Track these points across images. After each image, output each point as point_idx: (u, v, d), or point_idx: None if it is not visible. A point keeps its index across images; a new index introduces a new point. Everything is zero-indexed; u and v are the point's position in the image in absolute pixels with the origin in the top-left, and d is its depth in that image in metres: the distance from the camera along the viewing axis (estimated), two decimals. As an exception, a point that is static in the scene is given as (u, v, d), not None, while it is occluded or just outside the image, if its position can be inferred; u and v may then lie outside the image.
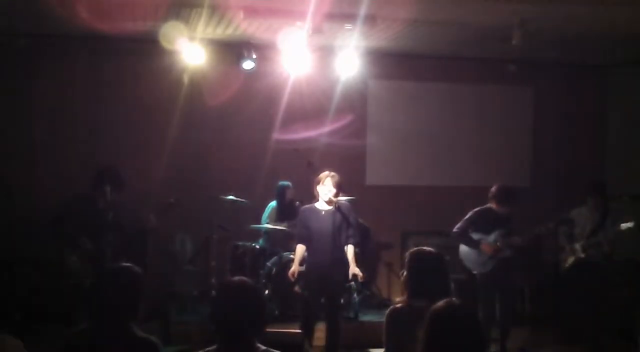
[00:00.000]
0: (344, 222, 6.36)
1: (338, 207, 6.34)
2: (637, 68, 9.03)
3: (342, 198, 6.49)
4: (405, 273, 3.90)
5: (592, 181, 7.80)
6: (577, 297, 7.39)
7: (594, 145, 9.72)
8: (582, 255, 7.23)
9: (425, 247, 3.96)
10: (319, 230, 6.32)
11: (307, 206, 6.58)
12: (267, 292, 7.57)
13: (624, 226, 6.91)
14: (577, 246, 7.27)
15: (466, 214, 6.98)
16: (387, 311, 3.90)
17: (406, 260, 3.92)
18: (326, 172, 6.35)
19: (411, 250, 3.96)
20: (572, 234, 7.39)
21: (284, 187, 8.13)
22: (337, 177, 6.31)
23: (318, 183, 6.34)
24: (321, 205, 6.40)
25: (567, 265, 7.40)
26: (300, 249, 6.49)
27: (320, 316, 6.53)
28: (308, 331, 6.26)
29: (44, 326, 2.79)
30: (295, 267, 6.50)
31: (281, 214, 8.06)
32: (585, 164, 9.50)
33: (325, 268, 6.29)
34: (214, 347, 3.01)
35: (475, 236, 6.86)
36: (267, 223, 7.99)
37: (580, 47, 8.31)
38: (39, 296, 7.09)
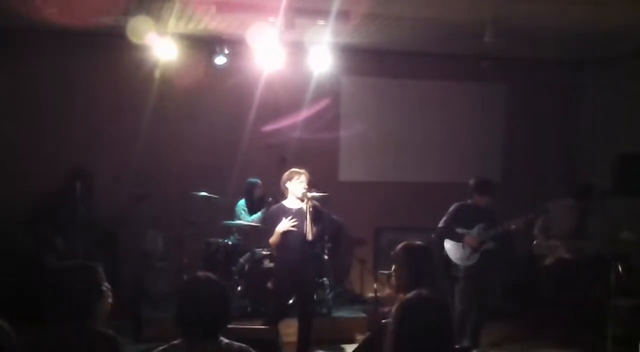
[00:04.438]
0: (316, 220, 6.37)
1: (312, 206, 6.33)
2: (609, 65, 9.14)
3: (316, 194, 6.49)
4: (397, 267, 3.89)
5: (579, 184, 7.90)
6: (554, 294, 7.49)
7: (566, 142, 9.83)
8: (566, 256, 7.33)
9: (415, 241, 3.98)
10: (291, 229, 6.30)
11: (275, 206, 6.54)
12: (239, 288, 7.55)
13: (624, 234, 7.03)
14: (559, 245, 7.36)
15: (439, 209, 7.04)
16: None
17: (399, 254, 3.91)
18: (296, 169, 6.35)
19: (402, 244, 3.96)
20: (548, 227, 7.48)
21: (253, 185, 8.10)
22: (304, 172, 6.32)
23: (289, 180, 6.32)
24: (291, 203, 6.38)
25: (547, 262, 7.49)
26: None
27: (289, 312, 6.53)
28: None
29: (23, 325, 2.76)
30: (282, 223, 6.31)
31: (250, 211, 8.04)
32: (557, 160, 9.61)
33: (297, 265, 6.30)
34: (178, 341, 3.04)
35: (459, 230, 6.92)
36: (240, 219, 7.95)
37: (552, 44, 8.38)
38: (17, 296, 6.97)
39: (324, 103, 8.77)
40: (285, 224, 6.23)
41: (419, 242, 3.97)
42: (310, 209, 6.26)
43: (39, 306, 3.19)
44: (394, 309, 2.86)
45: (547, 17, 6.90)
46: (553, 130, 9.76)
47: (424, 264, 3.83)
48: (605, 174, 8.87)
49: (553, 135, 9.75)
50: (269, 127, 8.52)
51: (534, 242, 7.71)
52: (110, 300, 3.30)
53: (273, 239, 6.33)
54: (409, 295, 2.88)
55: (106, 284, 3.29)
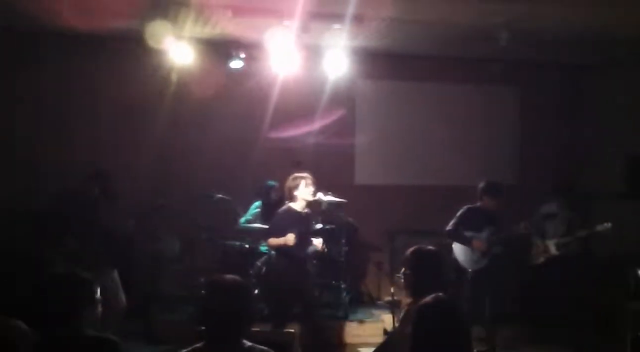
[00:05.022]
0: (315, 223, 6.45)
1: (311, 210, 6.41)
2: (622, 68, 9.07)
3: (333, 199, 6.51)
4: (406, 272, 3.90)
5: (556, 180, 7.88)
6: (550, 294, 7.46)
7: (575, 144, 9.75)
8: (556, 253, 7.33)
9: (425, 246, 3.97)
10: (299, 231, 6.31)
11: (283, 208, 6.54)
12: (256, 291, 7.55)
13: (600, 227, 7.02)
14: (551, 244, 7.35)
15: (454, 213, 7.03)
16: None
17: (408, 259, 3.92)
18: (299, 174, 6.39)
19: (412, 249, 3.96)
20: (544, 230, 7.48)
21: (269, 187, 8.09)
22: (308, 176, 6.37)
23: (296, 187, 6.34)
24: (299, 206, 6.40)
25: (538, 261, 7.49)
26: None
27: (295, 316, 6.52)
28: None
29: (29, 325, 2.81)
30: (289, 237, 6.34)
31: (264, 214, 8.02)
32: (572, 163, 9.53)
33: (299, 268, 6.31)
34: (201, 344, 3.02)
35: (467, 233, 6.91)
36: (249, 221, 7.92)
37: (565, 48, 8.34)
38: (23, 295, 7.02)
39: (339, 113, 8.77)
40: (290, 239, 6.22)
41: (429, 247, 3.96)
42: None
43: (35, 309, 3.22)
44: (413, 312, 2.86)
45: (560, 20, 6.89)
46: (567, 133, 9.68)
47: (432, 268, 3.82)
48: (614, 176, 8.86)
49: (567, 137, 9.67)
50: (284, 131, 8.52)
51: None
52: (100, 309, 3.33)
53: (273, 242, 6.36)
54: (428, 298, 2.87)
55: (99, 296, 3.32)
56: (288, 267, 6.34)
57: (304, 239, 6.31)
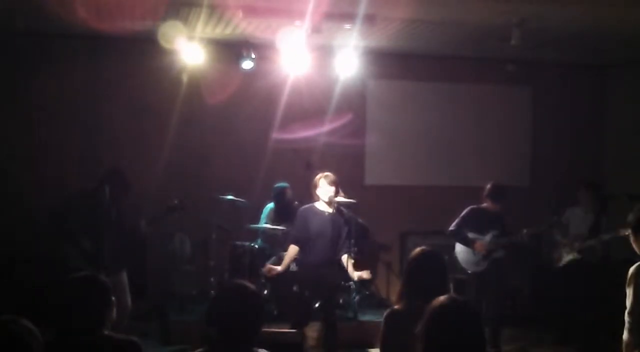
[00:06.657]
0: (344, 227, 6.38)
1: (339, 211, 6.37)
2: (636, 68, 9.02)
3: (343, 200, 6.50)
4: (410, 273, 3.88)
5: (584, 179, 7.82)
6: (574, 297, 7.40)
7: (594, 145, 9.71)
8: (578, 256, 7.26)
9: (425, 247, 3.95)
10: (319, 231, 6.32)
11: (306, 206, 6.56)
12: (265, 292, 7.56)
13: (623, 231, 6.96)
14: (575, 246, 7.30)
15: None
16: (386, 313, 3.85)
17: (408, 261, 3.91)
18: (319, 174, 6.38)
19: (413, 251, 3.94)
20: (567, 232, 7.43)
21: (283, 189, 8.06)
22: (330, 176, 6.33)
23: (315, 186, 6.36)
24: (322, 206, 6.40)
25: (561, 263, 7.43)
26: (294, 249, 6.48)
27: (314, 316, 6.53)
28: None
29: (45, 326, 2.80)
30: (280, 268, 6.55)
31: (279, 216, 8.01)
32: (585, 163, 9.49)
33: (323, 268, 6.31)
34: (206, 348, 3.02)
35: (471, 235, 6.90)
36: (265, 224, 7.96)
37: (579, 47, 8.30)
38: (39, 295, 7.07)
39: (349, 113, 8.77)
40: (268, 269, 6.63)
41: (428, 249, 3.92)
42: (337, 211, 6.32)
43: (61, 311, 3.21)
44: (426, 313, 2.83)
45: (573, 20, 6.85)
46: (581, 134, 9.63)
47: (430, 271, 3.77)
48: (633, 177, 8.79)
49: (581, 138, 9.62)
50: (295, 132, 8.53)
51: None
52: (115, 311, 3.33)
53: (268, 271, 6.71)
54: (442, 299, 2.85)
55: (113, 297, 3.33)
56: (311, 269, 6.36)
57: (328, 241, 6.30)
